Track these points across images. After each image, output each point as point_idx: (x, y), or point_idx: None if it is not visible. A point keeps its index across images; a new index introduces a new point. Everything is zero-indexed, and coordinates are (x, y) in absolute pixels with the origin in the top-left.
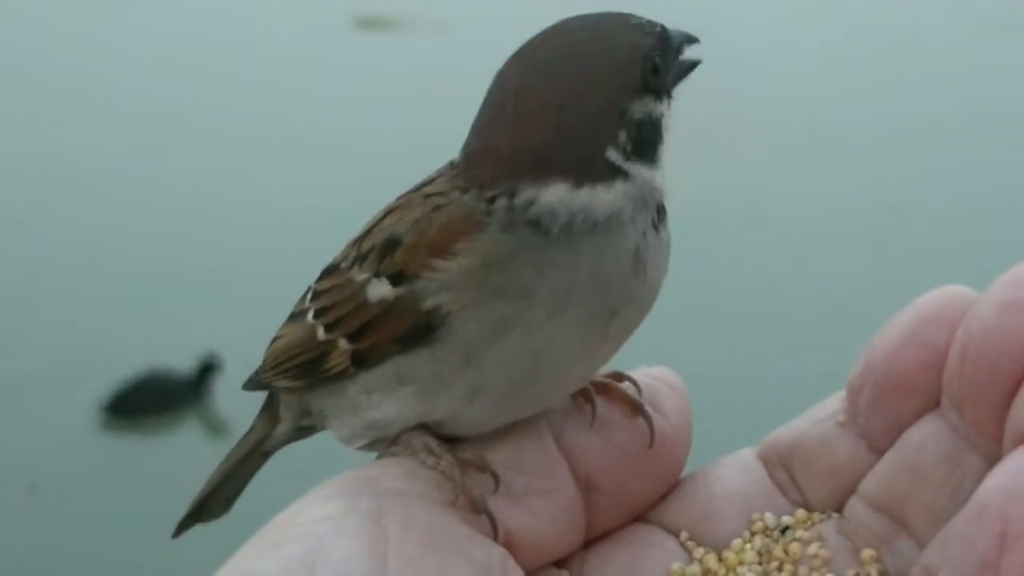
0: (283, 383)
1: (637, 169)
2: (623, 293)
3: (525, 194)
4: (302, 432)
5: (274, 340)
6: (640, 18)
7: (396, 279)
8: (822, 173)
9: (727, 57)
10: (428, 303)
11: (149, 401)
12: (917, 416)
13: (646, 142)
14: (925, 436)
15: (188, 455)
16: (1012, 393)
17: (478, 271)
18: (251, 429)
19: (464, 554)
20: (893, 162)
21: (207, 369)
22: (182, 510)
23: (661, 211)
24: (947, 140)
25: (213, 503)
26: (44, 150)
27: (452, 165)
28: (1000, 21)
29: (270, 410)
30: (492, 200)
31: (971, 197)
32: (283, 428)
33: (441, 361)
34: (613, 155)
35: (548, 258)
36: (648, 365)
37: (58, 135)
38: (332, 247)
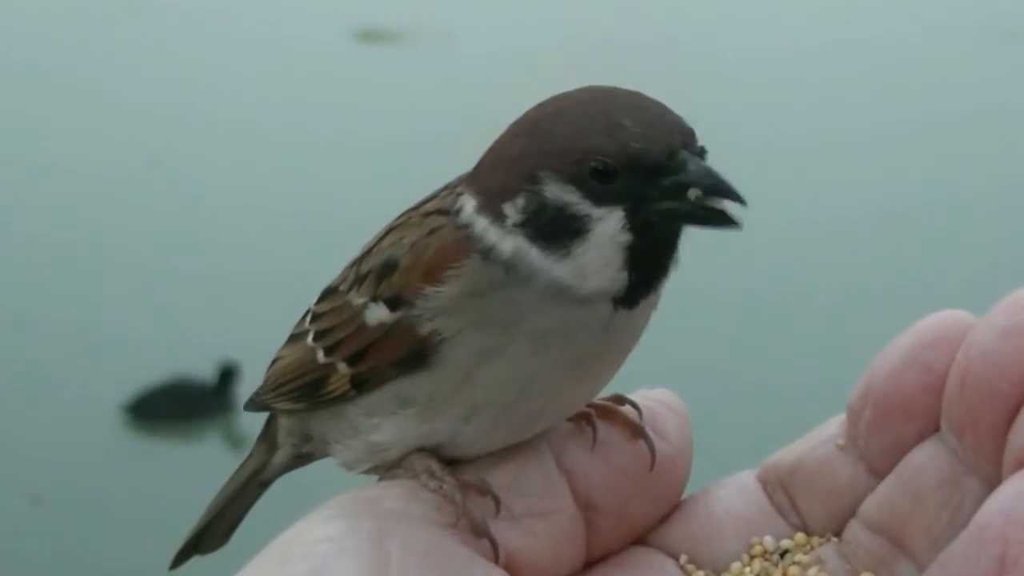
0: (284, 405)
1: (520, 244)
2: (591, 348)
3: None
4: (300, 460)
5: (274, 361)
6: (646, 124)
7: (393, 303)
8: (823, 180)
9: (729, 62)
10: (425, 328)
11: (172, 406)
12: (917, 439)
13: (549, 227)
14: (925, 459)
15: (207, 467)
16: (1011, 417)
17: (465, 299)
18: (248, 457)
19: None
20: (895, 169)
21: (226, 377)
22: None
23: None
24: (949, 147)
25: (211, 534)
26: (64, 161)
27: (460, 181)
28: (1002, 29)
29: (267, 438)
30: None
31: (973, 204)
32: (281, 456)
33: (438, 383)
34: (508, 210)
35: (519, 299)
36: (649, 383)
37: (73, 145)
38: (336, 257)
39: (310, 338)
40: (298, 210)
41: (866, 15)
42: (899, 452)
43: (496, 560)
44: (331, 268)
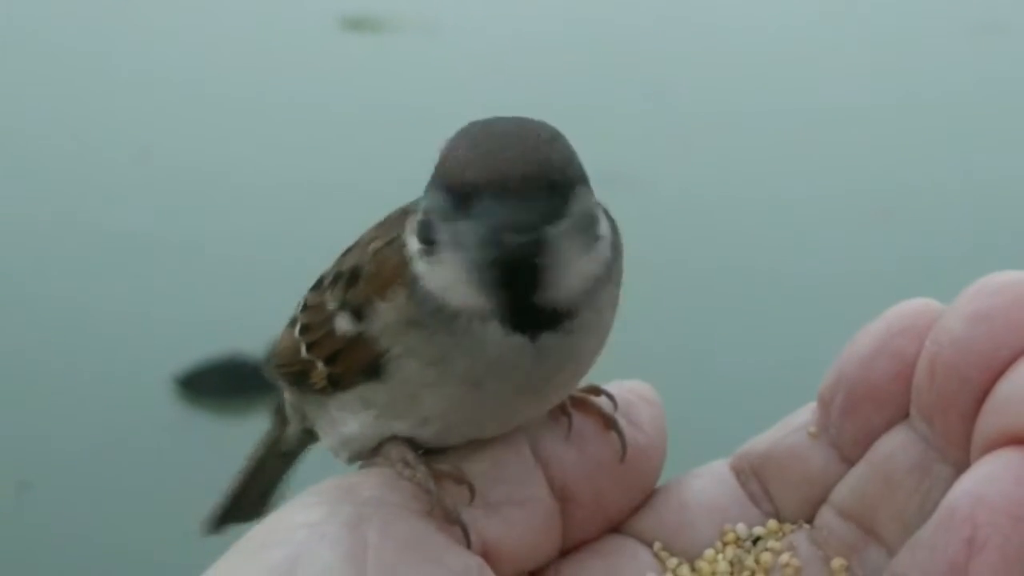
0: (283, 385)
1: (425, 264)
2: (530, 380)
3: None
4: (310, 435)
5: (279, 339)
6: (471, 154)
7: (357, 314)
8: (809, 172)
9: (717, 48)
10: (382, 343)
11: (223, 381)
12: (887, 426)
13: (425, 234)
14: (895, 446)
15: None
16: (980, 402)
17: (401, 325)
18: (267, 430)
19: (441, 562)
20: (881, 161)
21: None
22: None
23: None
24: (935, 139)
25: (243, 504)
26: (71, 146)
27: None
28: (989, 22)
29: (279, 411)
30: None
31: (959, 196)
32: (292, 429)
33: (392, 394)
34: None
35: (442, 341)
36: (628, 368)
37: (76, 127)
38: (329, 247)
39: (297, 329)
40: (277, 200)
41: (854, 7)
42: (870, 439)
43: (470, 547)
44: (322, 261)
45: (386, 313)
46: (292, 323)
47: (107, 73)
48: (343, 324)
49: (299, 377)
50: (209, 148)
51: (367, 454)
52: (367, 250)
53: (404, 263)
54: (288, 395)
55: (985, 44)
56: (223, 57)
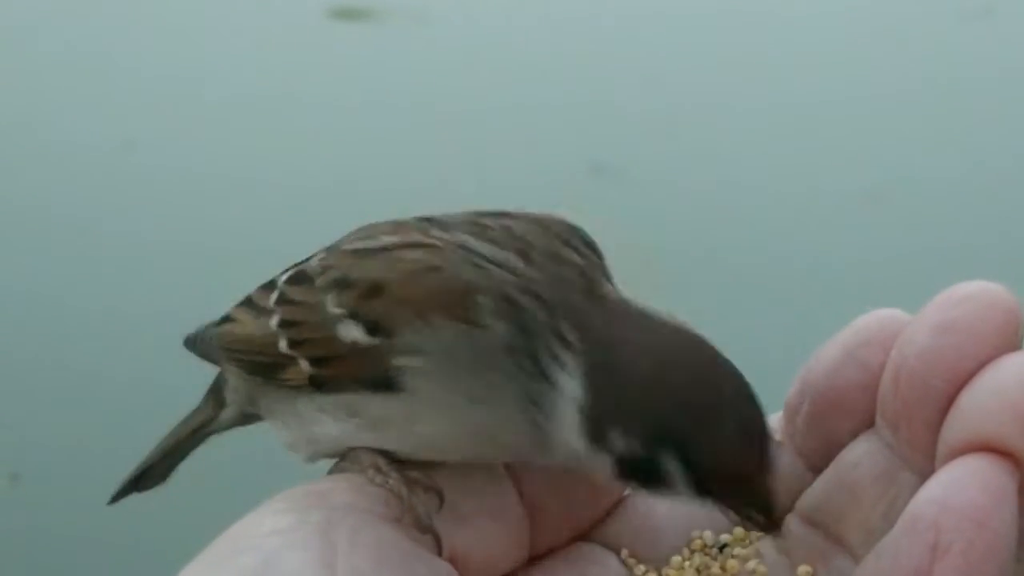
0: (232, 369)
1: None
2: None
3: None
4: (247, 419)
5: (228, 319)
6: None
7: (372, 328)
8: (797, 157)
9: (708, 39)
10: (399, 360)
11: None
12: (853, 435)
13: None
14: (860, 454)
15: None
16: (944, 412)
17: (446, 355)
18: (197, 410)
19: (411, 569)
20: (869, 147)
21: None
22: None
23: None
24: (924, 125)
25: (151, 475)
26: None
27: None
28: (978, 6)
29: (216, 393)
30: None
31: (948, 182)
32: (229, 413)
33: (390, 409)
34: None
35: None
36: None
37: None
38: (315, 234)
39: (274, 321)
40: (269, 191)
41: None
42: (836, 448)
43: (440, 554)
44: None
45: (426, 337)
46: (256, 309)
47: (89, 63)
48: (352, 333)
49: (266, 369)
50: (195, 140)
51: (330, 456)
52: (396, 268)
53: (471, 296)
54: (235, 380)
55: (975, 30)
56: (209, 47)
